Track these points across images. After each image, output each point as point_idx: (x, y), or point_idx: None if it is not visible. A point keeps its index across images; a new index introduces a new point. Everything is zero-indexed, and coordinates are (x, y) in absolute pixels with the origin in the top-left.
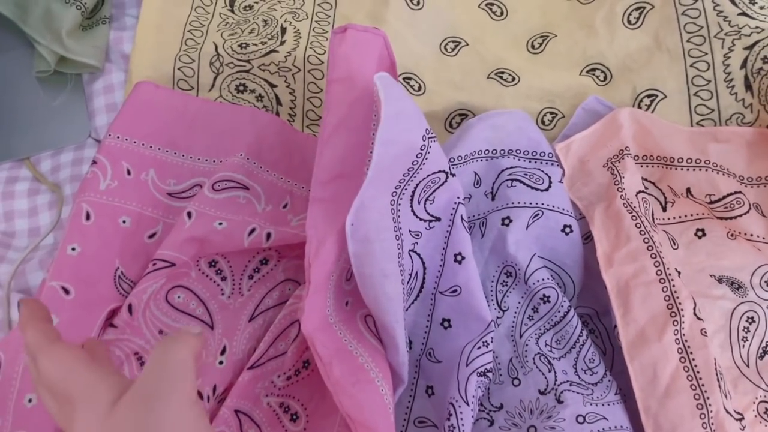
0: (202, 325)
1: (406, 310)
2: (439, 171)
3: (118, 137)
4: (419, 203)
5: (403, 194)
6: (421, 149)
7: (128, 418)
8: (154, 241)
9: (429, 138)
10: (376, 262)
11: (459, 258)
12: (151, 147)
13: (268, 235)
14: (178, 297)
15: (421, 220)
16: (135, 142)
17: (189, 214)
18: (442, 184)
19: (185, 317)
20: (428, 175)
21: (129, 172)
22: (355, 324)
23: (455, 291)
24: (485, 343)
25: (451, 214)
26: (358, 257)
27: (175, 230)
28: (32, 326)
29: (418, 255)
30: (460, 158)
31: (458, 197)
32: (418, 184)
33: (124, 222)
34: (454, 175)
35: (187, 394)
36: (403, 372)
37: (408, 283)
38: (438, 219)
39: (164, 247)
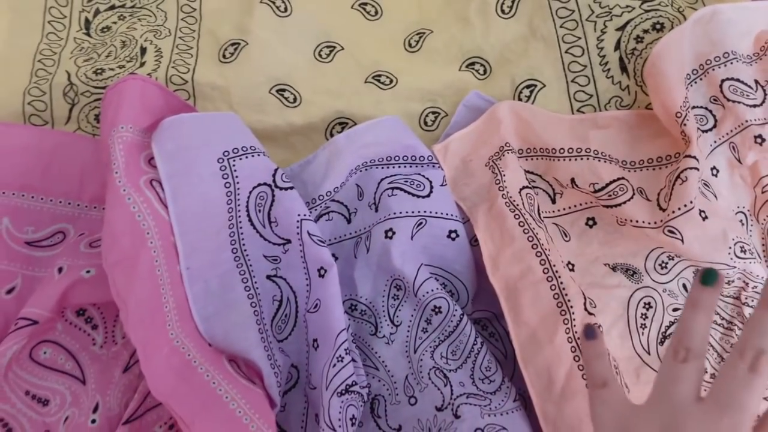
0: (72, 381)
1: (287, 338)
2: (260, 185)
3: None
4: (264, 226)
5: (240, 223)
6: (223, 175)
7: None
8: (14, 296)
9: (230, 158)
10: (215, 299)
11: (322, 272)
12: (3, 193)
13: None
14: (44, 353)
15: (273, 244)
16: None
17: (60, 269)
18: (272, 201)
19: (53, 374)
20: (250, 192)
21: None
22: (222, 365)
23: (316, 306)
24: (340, 359)
25: (298, 233)
26: (198, 298)
27: (44, 286)
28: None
29: (284, 279)
30: (336, 189)
31: (299, 214)
32: (247, 207)
33: None
34: (280, 187)
35: None
36: (273, 394)
37: (280, 309)
38: (289, 241)
39: (30, 305)
